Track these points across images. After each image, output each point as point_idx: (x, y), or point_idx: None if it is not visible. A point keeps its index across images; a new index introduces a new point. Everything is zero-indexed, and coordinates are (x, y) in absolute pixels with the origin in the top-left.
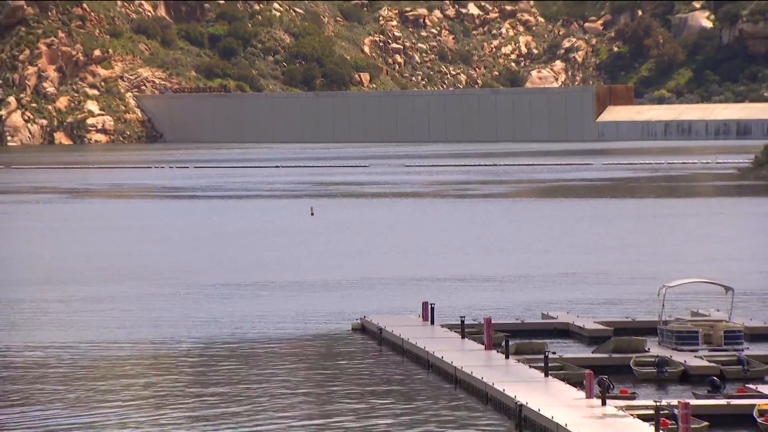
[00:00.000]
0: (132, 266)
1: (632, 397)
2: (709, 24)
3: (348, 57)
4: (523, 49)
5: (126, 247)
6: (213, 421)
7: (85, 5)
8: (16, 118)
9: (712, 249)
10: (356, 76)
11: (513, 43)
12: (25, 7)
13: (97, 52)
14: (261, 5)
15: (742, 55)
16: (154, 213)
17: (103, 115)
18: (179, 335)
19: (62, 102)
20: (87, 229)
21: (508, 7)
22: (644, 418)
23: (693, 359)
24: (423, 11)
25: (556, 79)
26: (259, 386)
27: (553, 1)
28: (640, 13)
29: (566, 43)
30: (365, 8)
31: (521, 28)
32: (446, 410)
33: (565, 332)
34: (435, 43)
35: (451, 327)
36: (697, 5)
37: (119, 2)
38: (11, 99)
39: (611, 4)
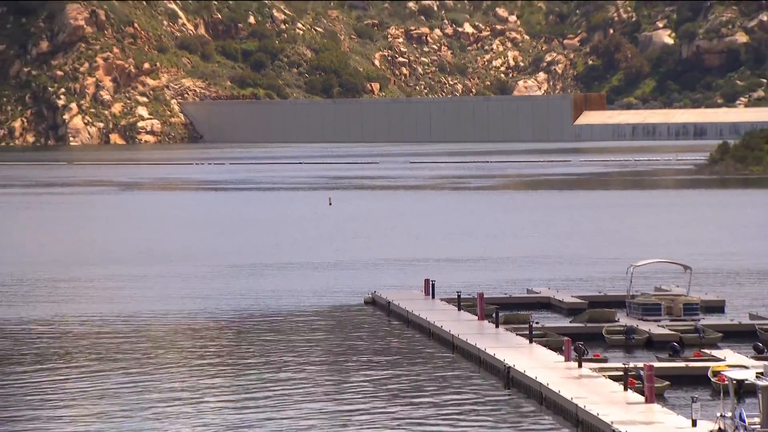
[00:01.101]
0: (173, 248)
1: (604, 361)
2: (670, 41)
3: (361, 69)
4: (511, 62)
5: (168, 232)
6: (245, 383)
7: (136, 25)
8: (77, 121)
9: (672, 234)
10: (368, 85)
11: (502, 57)
12: (85, 26)
13: (146, 65)
14: (286, 25)
15: (698, 68)
16: (194, 203)
17: (151, 119)
18: (213, 308)
19: (116, 107)
20: (135, 217)
21: (498, 27)
22: (614, 378)
23: (656, 328)
24: (425, 30)
25: (540, 88)
26: (284, 352)
27: (536, 21)
28: (611, 31)
29: (548, 57)
30: (376, 27)
31: (509, 44)
32: (445, 371)
33: (546, 305)
34: (435, 57)
35: (449, 301)
36: (660, 25)
37: (165, 22)
38: (73, 105)
39: (587, 23)
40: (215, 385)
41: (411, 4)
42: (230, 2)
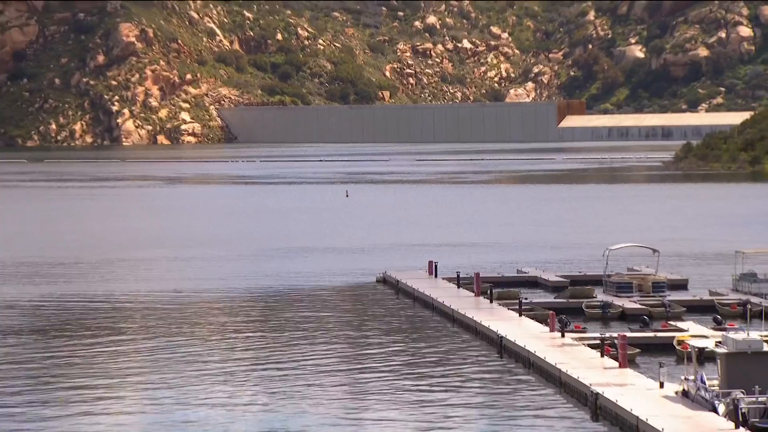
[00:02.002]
0: (210, 234)
1: (584, 331)
2: (641, 55)
3: (374, 79)
4: (504, 74)
5: (206, 220)
6: (274, 350)
7: (179, 41)
8: (129, 124)
9: (643, 221)
10: (380, 93)
11: (496, 69)
12: (136, 43)
13: (188, 76)
14: (309, 41)
15: (665, 78)
16: (228, 195)
17: (192, 122)
18: (245, 285)
19: (163, 113)
20: (178, 208)
21: (492, 42)
22: (592, 346)
23: (629, 303)
24: (429, 45)
25: (528, 96)
26: (307, 323)
27: (526, 38)
28: (590, 47)
29: (535, 69)
30: (387, 43)
31: (502, 58)
32: (446, 340)
33: (534, 283)
34: (438, 69)
35: (449, 279)
36: (633, 41)
37: (205, 39)
38: (125, 110)
39: (569, 40)
40: (248, 353)
41: (417, 23)
42: (261, 21)
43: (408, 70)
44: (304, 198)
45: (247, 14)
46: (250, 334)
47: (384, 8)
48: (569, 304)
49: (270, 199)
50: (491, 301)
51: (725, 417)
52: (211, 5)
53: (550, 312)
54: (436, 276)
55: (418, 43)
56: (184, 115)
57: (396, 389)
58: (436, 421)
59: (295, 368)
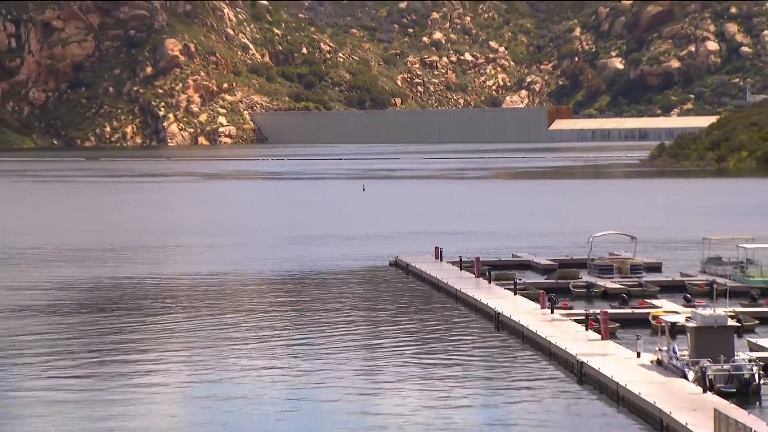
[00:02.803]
0: (242, 223)
1: (570, 308)
2: (621, 66)
3: (387, 87)
4: (500, 83)
5: (239, 211)
6: (299, 324)
7: (217, 55)
8: (173, 127)
9: (622, 212)
10: (392, 100)
11: (494, 78)
12: (179, 56)
13: (225, 85)
14: (330, 54)
15: (642, 86)
16: (259, 189)
17: (229, 125)
18: (272, 268)
19: (203, 117)
20: (215, 200)
21: (491, 55)
22: (578, 321)
23: (610, 283)
24: (436, 58)
25: (522, 102)
26: (328, 301)
27: (520, 51)
28: (576, 59)
29: (528, 79)
30: (398, 56)
31: (499, 69)
32: (450, 316)
33: (527, 266)
34: (443, 79)
35: (453, 263)
36: (614, 54)
37: (239, 52)
38: (170, 115)
39: (558, 53)
40: (276, 326)
41: (425, 39)
42: (288, 37)
43: (417, 80)
44: (326, 192)
45: (277, 31)
46: (278, 310)
47: (396, 25)
48: (558, 284)
49: (295, 193)
50: (489, 282)
51: (694, 383)
52: (245, 23)
53: (541, 291)
54: (441, 260)
55: (425, 56)
56: (221, 119)
57: (406, 358)
58: (441, 386)
59: (319, 340)
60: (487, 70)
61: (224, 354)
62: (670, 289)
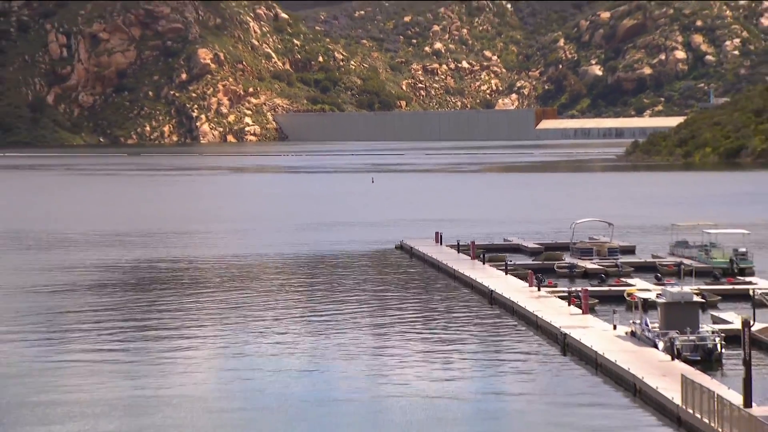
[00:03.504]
0: (264, 211)
1: (555, 286)
2: (600, 72)
3: (393, 92)
4: (493, 87)
5: (262, 200)
6: (314, 302)
7: (244, 62)
8: (205, 127)
9: (600, 201)
10: (398, 102)
11: (488, 83)
12: (210, 64)
13: (250, 89)
14: (343, 62)
15: (618, 91)
16: (280, 181)
17: (254, 125)
18: (291, 252)
19: (231, 118)
20: (241, 191)
21: (485, 63)
22: (562, 297)
23: (590, 264)
24: (436, 65)
25: (513, 104)
26: (340, 280)
27: (511, 60)
28: (560, 66)
29: (518, 84)
30: (403, 64)
31: (492, 75)
32: (448, 293)
33: (516, 249)
34: (443, 84)
35: (451, 246)
36: (593, 62)
37: (263, 60)
38: (202, 116)
39: (544, 61)
40: (294, 301)
41: (427, 48)
42: (306, 47)
43: (420, 85)
44: (339, 184)
45: (296, 42)
46: (296, 287)
47: (401, 37)
48: (544, 265)
49: (312, 185)
50: (483, 263)
51: (664, 352)
52: (268, 35)
53: (529, 271)
54: (441, 243)
55: (427, 64)
56: (247, 120)
57: (410, 330)
58: (441, 354)
59: (332, 314)
60: (482, 76)
61: (249, 326)
62: (643, 269)
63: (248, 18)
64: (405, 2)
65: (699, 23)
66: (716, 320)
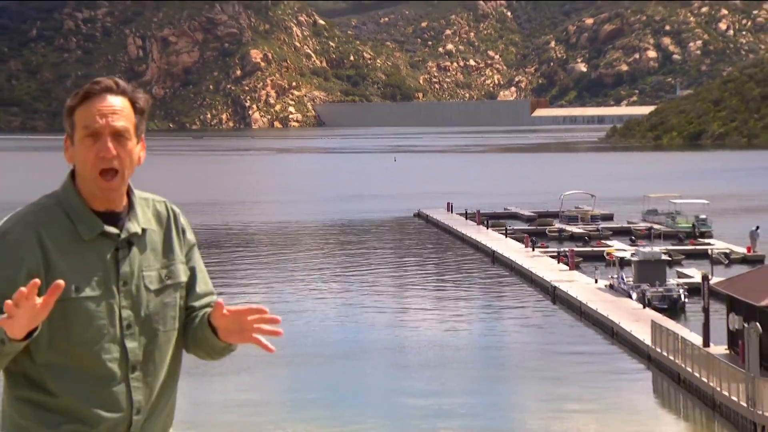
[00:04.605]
0: (304, 186)
1: (547, 247)
2: (585, 69)
3: (412, 85)
4: (496, 82)
5: (302, 176)
6: (344, 261)
7: (288, 61)
8: (256, 115)
9: (584, 178)
10: (417, 94)
11: (491, 78)
12: (260, 62)
13: (293, 84)
14: (371, 61)
15: (600, 84)
16: (317, 160)
17: (296, 113)
18: (326, 219)
19: (277, 107)
20: (285, 168)
21: (489, 61)
22: (552, 257)
23: (576, 229)
24: (448, 63)
25: (512, 96)
26: (365, 245)
27: (510, 58)
28: (552, 64)
29: (517, 79)
30: (420, 62)
31: (495, 71)
32: (458, 253)
33: (515, 216)
34: (454, 78)
35: (460, 214)
36: (579, 60)
37: (304, 59)
38: (254, 106)
39: (538, 59)
40: (328, 261)
41: (440, 49)
42: (340, 48)
43: (434, 80)
44: (367, 162)
45: (331, 44)
46: (329, 249)
47: (419, 39)
48: (538, 230)
49: (344, 163)
50: (487, 228)
51: (637, 301)
52: (308, 38)
53: (525, 235)
54: (451, 212)
55: (441, 62)
56: (291, 109)
57: (426, 285)
58: (451, 305)
59: (359, 271)
60: (486, 72)
61: (290, 282)
62: (620, 233)
63: (292, 24)
64: (422, 11)
65: (668, 27)
66: (680, 275)
